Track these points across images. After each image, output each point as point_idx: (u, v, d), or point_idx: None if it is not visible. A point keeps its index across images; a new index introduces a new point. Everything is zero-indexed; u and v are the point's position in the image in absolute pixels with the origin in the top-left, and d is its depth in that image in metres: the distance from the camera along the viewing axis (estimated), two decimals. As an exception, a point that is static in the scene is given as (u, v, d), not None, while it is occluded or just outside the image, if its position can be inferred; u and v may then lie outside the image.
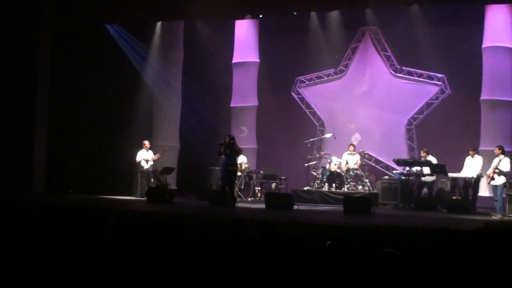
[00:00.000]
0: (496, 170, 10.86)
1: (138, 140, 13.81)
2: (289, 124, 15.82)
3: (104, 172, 14.62)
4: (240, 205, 11.29)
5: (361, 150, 13.82)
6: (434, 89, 14.59)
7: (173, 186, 14.40)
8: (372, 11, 14.36)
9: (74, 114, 14.62)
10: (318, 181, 13.37)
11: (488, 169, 11.19)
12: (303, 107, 16.01)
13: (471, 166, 11.89)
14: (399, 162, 12.75)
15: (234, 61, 15.89)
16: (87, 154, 14.65)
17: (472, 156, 11.95)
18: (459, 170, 12.15)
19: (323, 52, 15.32)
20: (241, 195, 13.29)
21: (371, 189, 12.93)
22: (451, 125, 13.95)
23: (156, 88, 15.16)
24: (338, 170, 13.01)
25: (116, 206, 9.67)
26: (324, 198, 12.65)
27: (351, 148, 13.56)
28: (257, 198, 13.56)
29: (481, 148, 12.93)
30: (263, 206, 10.90)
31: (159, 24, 15.21)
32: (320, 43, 15.21)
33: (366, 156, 14.06)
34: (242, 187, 13.64)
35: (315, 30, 15.14)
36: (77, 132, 14.68)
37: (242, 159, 13.58)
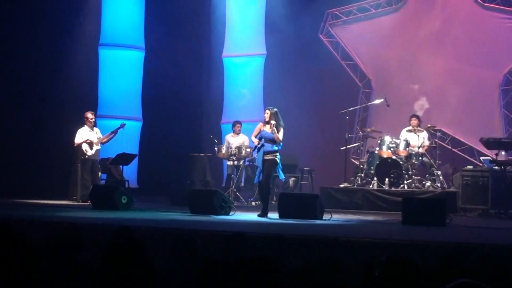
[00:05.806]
0: None
1: (77, 113, 13.83)
2: (316, 85, 15.82)
3: (25, 165, 14.68)
4: (239, 212, 11.37)
5: (430, 125, 13.82)
6: (546, 27, 14.56)
7: (133, 184, 14.46)
8: None
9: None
10: (362, 175, 13.41)
11: None
12: (338, 57, 15.98)
13: None
14: (490, 144, 12.73)
15: (227, -16, 15.85)
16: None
17: None
18: None
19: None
20: (240, 197, 13.35)
21: (445, 186, 12.97)
22: None
23: (104, 31, 15.13)
24: (394, 157, 13.04)
25: (43, 216, 9.75)
26: (372, 200, 12.71)
27: (414, 121, 13.55)
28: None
29: None
30: (275, 214, 10.96)
31: None
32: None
33: (439, 134, 14.06)
34: (243, 184, 13.70)
35: None
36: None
37: (242, 140, 13.62)
